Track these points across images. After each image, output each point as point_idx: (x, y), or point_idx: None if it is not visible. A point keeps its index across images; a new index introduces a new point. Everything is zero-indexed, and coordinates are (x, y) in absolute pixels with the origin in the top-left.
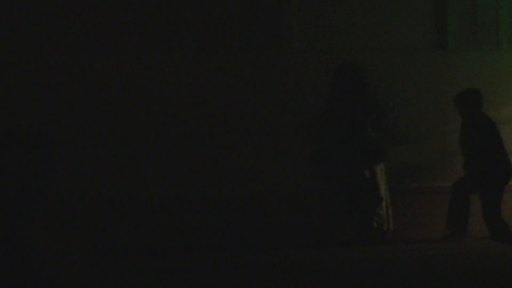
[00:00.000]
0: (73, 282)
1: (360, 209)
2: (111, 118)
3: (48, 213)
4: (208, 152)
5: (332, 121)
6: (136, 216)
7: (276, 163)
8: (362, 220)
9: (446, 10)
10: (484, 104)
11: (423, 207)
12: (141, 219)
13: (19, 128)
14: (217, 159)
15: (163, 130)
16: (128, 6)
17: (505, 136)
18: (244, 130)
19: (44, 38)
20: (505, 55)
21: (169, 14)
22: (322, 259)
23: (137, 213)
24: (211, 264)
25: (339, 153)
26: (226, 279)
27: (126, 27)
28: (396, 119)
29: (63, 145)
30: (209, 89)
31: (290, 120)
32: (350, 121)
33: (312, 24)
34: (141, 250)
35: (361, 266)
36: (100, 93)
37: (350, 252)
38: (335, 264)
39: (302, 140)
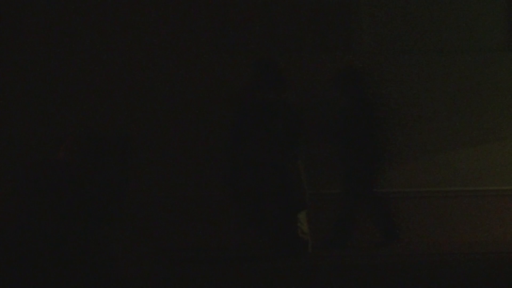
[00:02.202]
0: (143, 285)
1: (281, 215)
2: (175, 121)
3: (123, 217)
4: None
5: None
6: (204, 219)
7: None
8: (284, 228)
9: None
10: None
11: (494, 210)
12: (210, 223)
13: (98, 131)
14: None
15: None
16: (196, 7)
17: None
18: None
19: (114, 42)
20: None
21: (239, 16)
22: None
23: (206, 216)
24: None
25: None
26: None
27: (194, 28)
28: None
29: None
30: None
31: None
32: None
33: (381, 26)
34: (211, 254)
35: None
36: (170, 95)
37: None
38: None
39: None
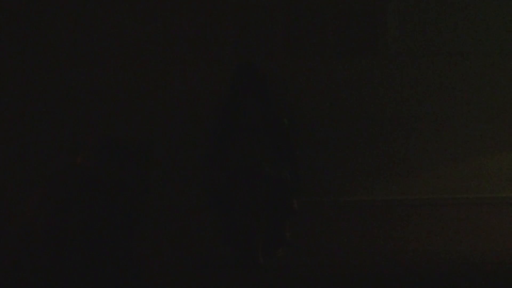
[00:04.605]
0: None
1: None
2: (197, 126)
3: (145, 223)
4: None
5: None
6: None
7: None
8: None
9: None
10: None
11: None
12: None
13: (122, 137)
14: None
15: None
16: (217, 8)
17: None
18: (341, 135)
19: (141, 50)
20: None
21: (265, 21)
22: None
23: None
24: None
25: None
26: None
27: (216, 31)
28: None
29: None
30: (305, 96)
31: (392, 124)
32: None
33: (409, 28)
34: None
35: None
36: (188, 99)
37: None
38: None
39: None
